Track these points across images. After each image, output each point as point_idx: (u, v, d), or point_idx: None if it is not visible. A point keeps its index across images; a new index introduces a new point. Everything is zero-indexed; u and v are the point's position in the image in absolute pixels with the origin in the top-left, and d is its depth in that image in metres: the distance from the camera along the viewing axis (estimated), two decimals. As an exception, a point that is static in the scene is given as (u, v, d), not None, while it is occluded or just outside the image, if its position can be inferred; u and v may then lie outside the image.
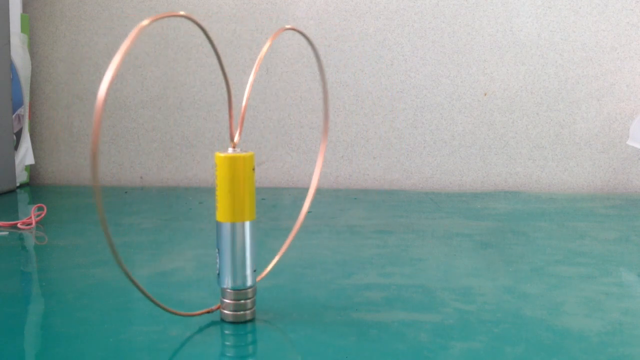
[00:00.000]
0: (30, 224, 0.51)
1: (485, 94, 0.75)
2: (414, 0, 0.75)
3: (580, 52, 0.74)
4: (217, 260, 0.30)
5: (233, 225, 0.29)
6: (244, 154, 0.29)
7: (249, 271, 0.29)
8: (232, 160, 0.29)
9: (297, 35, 0.76)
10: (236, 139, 0.30)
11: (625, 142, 0.74)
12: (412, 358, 0.26)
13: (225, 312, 0.30)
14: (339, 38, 0.75)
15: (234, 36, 0.76)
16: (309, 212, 0.59)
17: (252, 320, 0.30)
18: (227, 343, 0.28)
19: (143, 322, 0.30)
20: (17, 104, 0.73)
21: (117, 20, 0.78)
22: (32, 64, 0.78)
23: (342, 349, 0.27)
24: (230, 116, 0.29)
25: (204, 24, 0.87)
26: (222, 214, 0.29)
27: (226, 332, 0.29)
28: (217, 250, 0.30)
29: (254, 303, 0.30)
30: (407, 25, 0.75)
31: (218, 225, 0.29)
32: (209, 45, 0.77)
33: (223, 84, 0.77)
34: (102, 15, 0.78)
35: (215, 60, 0.77)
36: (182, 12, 0.26)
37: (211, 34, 0.86)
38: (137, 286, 0.26)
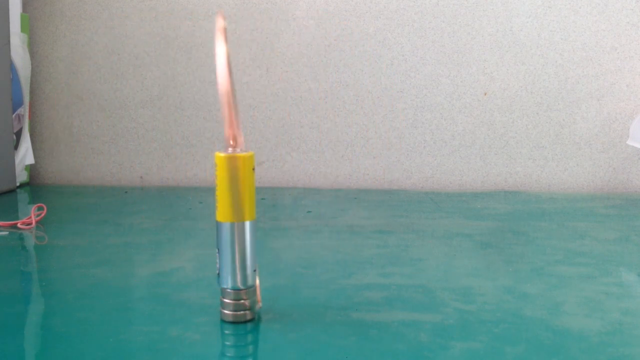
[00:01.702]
0: (30, 224, 0.51)
1: (485, 94, 0.75)
2: (414, 0, 0.75)
3: (580, 52, 0.74)
4: (217, 260, 0.30)
5: (233, 225, 0.29)
6: (244, 154, 0.29)
7: (249, 271, 0.29)
8: (232, 160, 0.29)
9: (297, 34, 0.76)
10: (237, 141, 0.30)
11: (625, 142, 0.74)
12: (412, 358, 0.26)
13: (225, 312, 0.30)
14: (339, 38, 0.75)
15: (234, 36, 0.76)
16: (308, 212, 0.59)
17: (252, 320, 0.30)
18: (227, 343, 0.28)
19: (143, 322, 0.30)
20: (17, 104, 0.73)
21: (117, 20, 0.78)
22: (32, 64, 0.78)
23: (342, 349, 0.27)
24: (224, 117, 0.29)
25: (204, 23, 0.87)
26: (222, 214, 0.29)
27: (226, 332, 0.29)
28: (217, 250, 0.30)
29: (254, 303, 0.30)
30: (407, 25, 0.75)
31: (218, 225, 0.29)
32: (209, 45, 0.77)
33: (223, 84, 0.77)
34: (102, 15, 0.78)
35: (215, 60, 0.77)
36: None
37: (211, 34, 0.86)
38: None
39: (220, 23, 0.26)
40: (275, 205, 0.63)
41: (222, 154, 0.29)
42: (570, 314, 0.32)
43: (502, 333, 0.29)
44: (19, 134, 0.74)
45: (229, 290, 0.29)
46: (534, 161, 0.76)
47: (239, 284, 0.29)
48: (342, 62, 0.76)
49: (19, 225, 0.51)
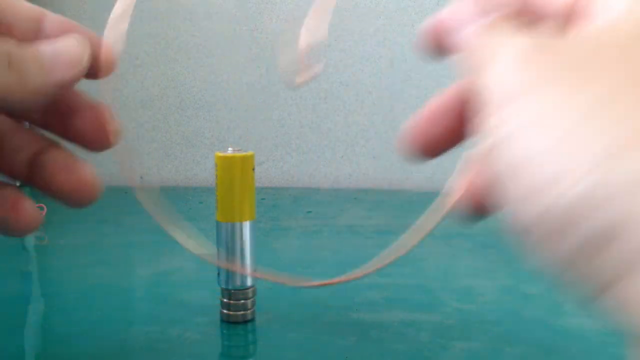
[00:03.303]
0: (30, 224, 0.51)
1: (485, 94, 0.75)
2: (414, 0, 0.75)
3: (580, 52, 0.74)
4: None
5: (233, 225, 0.29)
6: (244, 154, 0.29)
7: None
8: (232, 160, 0.29)
9: (297, 34, 0.76)
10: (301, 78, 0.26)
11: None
12: (412, 358, 0.26)
13: (226, 311, 0.30)
14: (339, 38, 0.75)
15: (234, 36, 0.76)
16: (308, 212, 0.59)
17: (252, 320, 0.30)
18: (227, 343, 0.28)
19: (143, 322, 0.30)
20: (17, 104, 0.73)
21: (117, 20, 0.78)
22: (32, 64, 0.78)
23: (342, 349, 0.27)
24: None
25: (204, 23, 0.86)
26: (222, 214, 0.29)
27: (226, 332, 0.29)
28: (217, 250, 0.30)
29: (254, 303, 0.30)
30: (407, 25, 0.75)
31: (218, 225, 0.29)
32: (209, 45, 0.77)
33: (223, 84, 0.77)
34: (102, 15, 0.78)
35: (215, 60, 0.77)
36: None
37: (211, 34, 0.85)
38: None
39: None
40: (275, 205, 0.63)
41: (222, 154, 0.29)
42: (570, 314, 0.32)
43: (502, 333, 0.29)
44: (19, 134, 0.74)
45: (229, 290, 0.29)
46: (534, 161, 0.76)
47: (239, 284, 0.29)
48: (342, 62, 0.76)
49: (19, 225, 0.51)
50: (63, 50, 0.24)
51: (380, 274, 0.38)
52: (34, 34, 0.25)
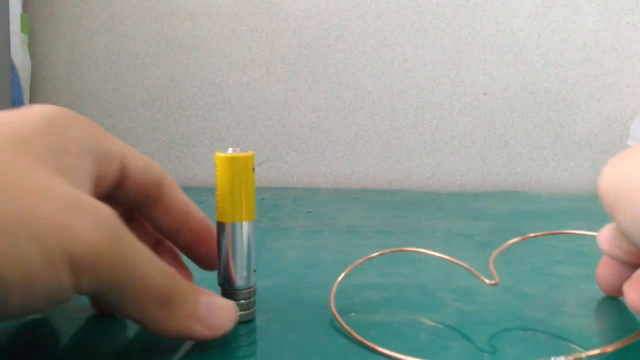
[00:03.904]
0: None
1: (485, 94, 0.75)
2: (414, 0, 0.75)
3: (580, 52, 0.74)
4: (217, 260, 0.30)
5: (233, 225, 0.29)
6: (244, 154, 0.29)
7: (249, 271, 0.29)
8: (232, 160, 0.29)
9: (297, 34, 0.76)
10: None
11: (625, 142, 0.74)
12: (412, 358, 0.26)
13: (225, 312, 0.30)
14: (339, 38, 0.75)
15: (234, 36, 0.76)
16: (308, 212, 0.59)
17: (252, 320, 0.30)
18: (227, 343, 0.28)
19: (143, 322, 0.30)
20: (17, 103, 0.73)
21: (117, 20, 0.78)
22: (32, 64, 0.78)
23: (342, 348, 0.27)
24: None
25: (204, 23, 0.86)
26: (222, 214, 0.29)
27: (226, 332, 0.29)
28: (217, 250, 0.30)
29: (254, 303, 0.30)
30: (407, 25, 0.75)
31: (218, 225, 0.29)
32: (209, 45, 0.77)
33: (223, 84, 0.77)
34: (102, 15, 0.78)
35: (215, 60, 0.77)
36: None
37: (211, 34, 0.85)
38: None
39: None
40: (275, 205, 0.63)
41: (222, 154, 0.29)
42: (570, 314, 0.32)
43: (502, 333, 0.29)
44: (19, 134, 0.74)
45: (229, 290, 0.29)
46: (534, 161, 0.76)
47: (239, 284, 0.29)
48: (342, 62, 0.76)
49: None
50: (216, 319, 0.25)
51: (380, 274, 0.38)
52: (182, 223, 0.29)
